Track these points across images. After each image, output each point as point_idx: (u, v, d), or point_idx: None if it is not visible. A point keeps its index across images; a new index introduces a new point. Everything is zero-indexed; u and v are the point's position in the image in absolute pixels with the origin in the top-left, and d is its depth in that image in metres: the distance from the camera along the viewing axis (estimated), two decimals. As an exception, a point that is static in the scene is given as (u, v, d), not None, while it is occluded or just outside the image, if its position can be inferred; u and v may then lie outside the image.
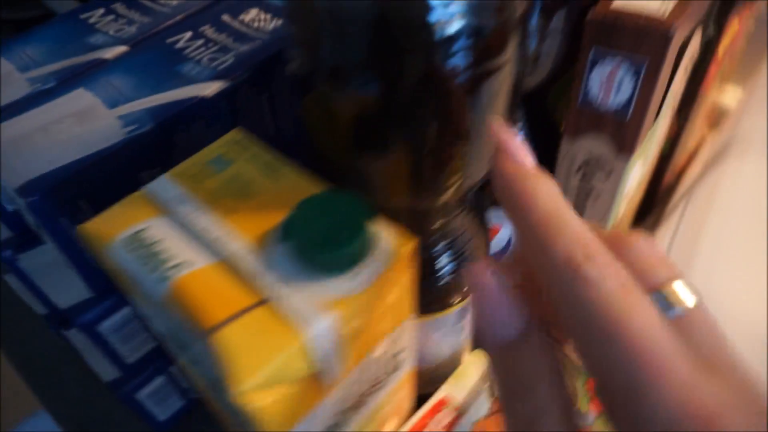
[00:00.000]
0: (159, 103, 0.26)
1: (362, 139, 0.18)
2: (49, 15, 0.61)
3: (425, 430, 0.27)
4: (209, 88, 0.27)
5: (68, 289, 0.27)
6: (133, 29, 0.32)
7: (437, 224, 0.24)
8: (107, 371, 0.31)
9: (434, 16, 0.16)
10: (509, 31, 0.18)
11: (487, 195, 0.30)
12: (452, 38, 0.16)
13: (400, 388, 0.24)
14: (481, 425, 0.26)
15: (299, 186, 0.19)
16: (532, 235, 0.12)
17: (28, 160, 0.24)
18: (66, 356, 0.38)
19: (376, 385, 0.22)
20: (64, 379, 0.39)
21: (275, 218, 0.18)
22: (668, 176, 0.41)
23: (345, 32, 0.16)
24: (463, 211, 0.25)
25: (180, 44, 0.29)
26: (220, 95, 0.27)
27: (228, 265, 0.17)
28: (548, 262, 0.12)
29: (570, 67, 0.26)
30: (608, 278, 0.11)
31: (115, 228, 0.18)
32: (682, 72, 0.27)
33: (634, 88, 0.23)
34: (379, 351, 0.20)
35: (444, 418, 0.27)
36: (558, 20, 0.23)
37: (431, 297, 0.25)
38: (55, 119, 0.25)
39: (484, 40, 0.17)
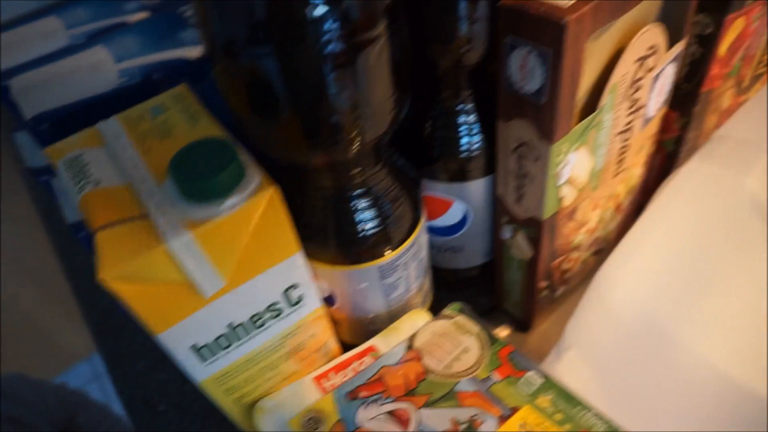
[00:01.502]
0: (153, 61, 0.31)
1: (254, 104, 0.22)
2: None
3: (343, 371, 0.30)
4: (195, 51, 0.31)
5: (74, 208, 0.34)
6: (160, -1, 0.37)
7: (352, 179, 0.26)
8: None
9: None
10: (378, 11, 0.20)
11: (434, 168, 0.32)
12: (323, 17, 0.19)
13: (311, 325, 0.28)
14: (385, 370, 0.29)
15: (210, 132, 0.23)
16: None
17: (45, 99, 0.30)
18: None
19: (273, 311, 0.25)
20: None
21: (180, 155, 0.22)
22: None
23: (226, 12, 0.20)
24: (382, 171, 0.27)
25: (187, 13, 0.34)
26: (203, 58, 0.31)
27: (130, 188, 0.22)
28: None
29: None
30: None
31: (65, 151, 0.23)
32: (630, 65, 0.27)
33: (544, 76, 0.24)
34: (264, 279, 0.24)
35: (364, 363, 0.31)
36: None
37: (353, 248, 0.28)
38: (73, 69, 0.32)
39: (354, 20, 0.20)
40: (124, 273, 0.19)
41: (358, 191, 0.27)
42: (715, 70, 0.34)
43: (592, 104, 0.27)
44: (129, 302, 0.20)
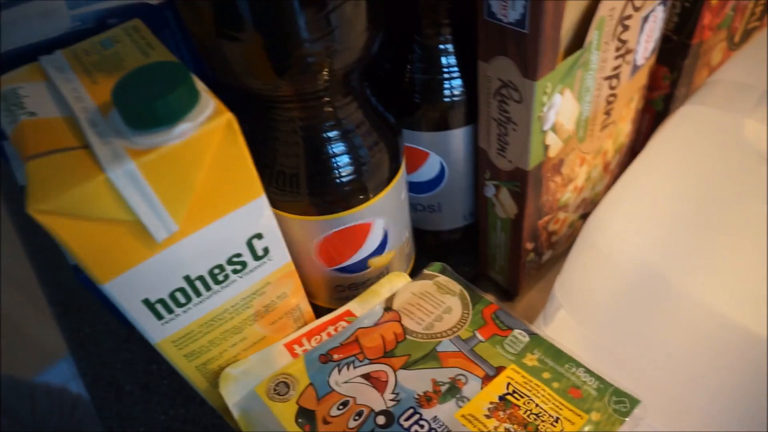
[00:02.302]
0: (109, 7, 0.29)
1: (220, 23, 0.20)
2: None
3: (317, 336, 0.28)
4: (156, -3, 0.29)
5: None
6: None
7: (325, 116, 0.25)
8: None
9: None
10: None
11: (411, 118, 0.30)
12: None
13: (279, 283, 0.26)
14: (361, 332, 0.27)
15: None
16: None
17: (-9, 45, 0.27)
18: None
19: (236, 264, 0.23)
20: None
21: (127, 85, 0.20)
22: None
23: None
24: (355, 106, 0.25)
25: (149, -40, 0.32)
26: (164, 4, 0.29)
27: (71, 120, 0.19)
28: None
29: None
30: None
31: (2, 84, 0.21)
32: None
33: (526, 2, 0.22)
34: (223, 225, 0.21)
35: (339, 327, 0.28)
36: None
37: (331, 195, 0.26)
38: (22, 17, 0.29)
39: None
40: (58, 205, 0.17)
41: (332, 130, 0.25)
42: (706, 19, 0.32)
43: (578, 41, 0.26)
44: (67, 242, 0.18)
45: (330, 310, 0.33)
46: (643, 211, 0.25)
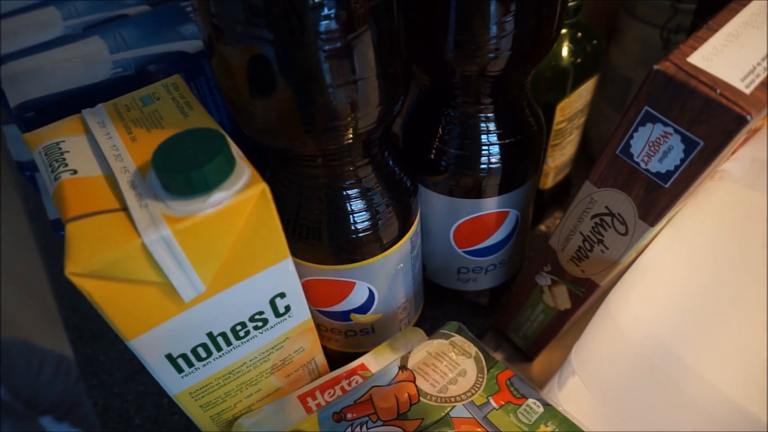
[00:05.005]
0: (149, 53, 0.30)
1: (253, 84, 0.21)
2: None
3: (330, 389, 0.28)
4: (193, 46, 0.30)
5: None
6: (162, -8, 0.36)
7: (344, 173, 0.25)
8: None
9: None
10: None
11: (435, 180, 0.30)
12: (319, 4, 0.18)
13: (298, 338, 0.26)
14: (375, 391, 0.27)
15: (201, 123, 0.22)
16: None
17: (33, 88, 0.28)
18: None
19: (258, 321, 0.24)
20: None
21: (167, 147, 0.20)
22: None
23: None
24: (373, 168, 0.26)
25: (189, 8, 0.33)
26: (201, 53, 0.30)
27: (110, 178, 0.20)
28: None
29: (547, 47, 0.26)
30: None
31: (45, 137, 0.22)
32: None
33: (680, 164, 0.21)
34: (249, 286, 0.22)
35: (353, 382, 0.29)
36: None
37: (342, 246, 0.27)
38: (66, 58, 0.30)
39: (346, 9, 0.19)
40: (95, 268, 0.18)
41: (348, 188, 0.26)
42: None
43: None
44: (98, 303, 0.19)
45: (341, 354, 0.33)
46: (662, 289, 0.25)
